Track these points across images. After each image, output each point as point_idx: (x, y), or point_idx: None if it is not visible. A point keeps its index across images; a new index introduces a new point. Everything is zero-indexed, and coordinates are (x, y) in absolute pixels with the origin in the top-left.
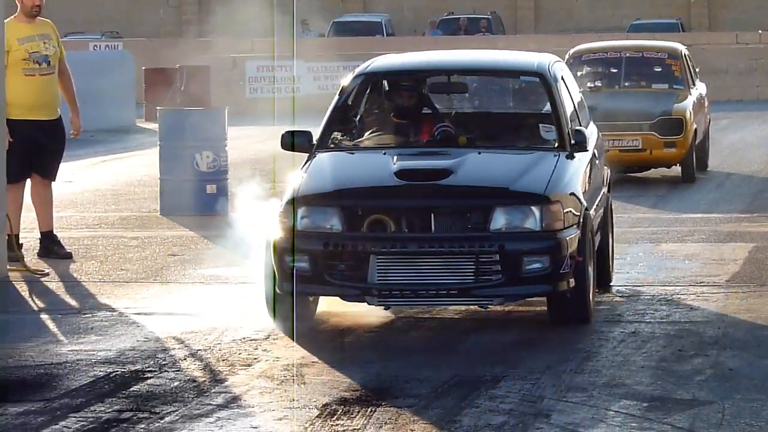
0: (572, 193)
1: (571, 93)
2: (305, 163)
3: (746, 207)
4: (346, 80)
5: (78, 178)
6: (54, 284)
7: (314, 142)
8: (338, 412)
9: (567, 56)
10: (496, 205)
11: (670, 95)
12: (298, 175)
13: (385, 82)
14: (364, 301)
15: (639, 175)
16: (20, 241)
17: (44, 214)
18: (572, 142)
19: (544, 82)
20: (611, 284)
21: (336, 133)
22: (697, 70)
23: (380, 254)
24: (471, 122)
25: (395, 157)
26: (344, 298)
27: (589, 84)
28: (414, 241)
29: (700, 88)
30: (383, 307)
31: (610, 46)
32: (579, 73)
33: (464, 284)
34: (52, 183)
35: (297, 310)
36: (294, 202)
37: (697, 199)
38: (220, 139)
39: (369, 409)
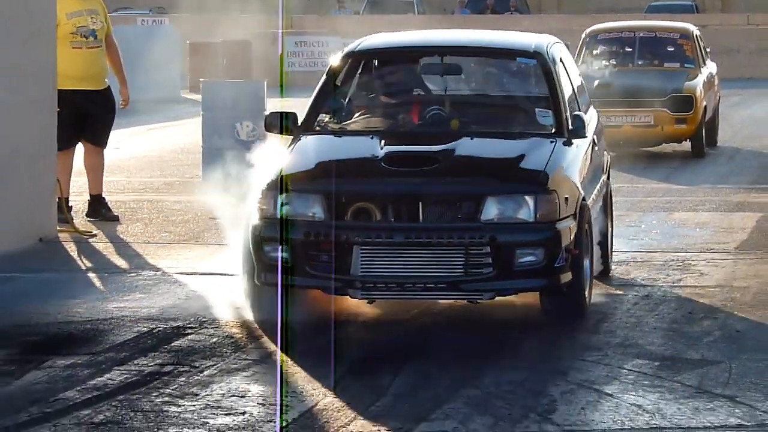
0: (569, 182)
1: (570, 76)
2: (288, 146)
3: (755, 179)
4: (334, 59)
5: (125, 145)
6: (101, 245)
7: (299, 124)
8: (366, 370)
9: (584, 35)
10: (488, 194)
11: (681, 74)
12: (279, 158)
13: (375, 62)
14: (346, 294)
15: (651, 149)
16: (69, 204)
17: (94, 178)
18: (570, 127)
19: (541, 64)
20: (610, 275)
21: (322, 115)
22: (707, 49)
23: (364, 245)
24: (465, 105)
25: (383, 142)
26: (326, 290)
27: (604, 62)
28: (400, 231)
29: (710, 67)
30: (366, 301)
31: (625, 26)
32: (595, 52)
33: (453, 277)
34: (104, 150)
35: (280, 303)
36: (274, 188)
37: (708, 172)
38: (259, 109)
39: (396, 367)
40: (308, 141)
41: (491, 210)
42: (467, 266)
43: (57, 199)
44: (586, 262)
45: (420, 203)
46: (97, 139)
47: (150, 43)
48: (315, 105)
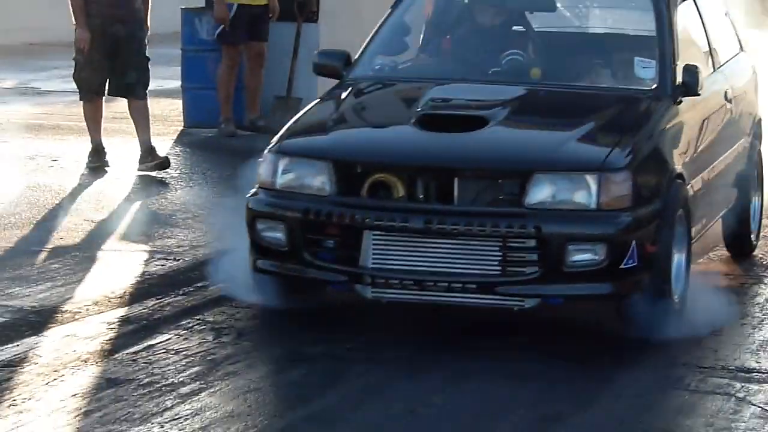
0: (657, 156)
1: (704, 20)
2: (321, 96)
3: None
4: None
5: None
6: None
7: (349, 66)
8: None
9: None
10: (536, 171)
11: None
12: (300, 113)
13: None
14: (352, 291)
15: None
16: None
17: None
18: (678, 83)
19: (655, 2)
20: (753, 254)
21: (380, 56)
22: None
23: (378, 229)
24: (553, 49)
25: (430, 95)
26: (328, 284)
27: None
28: (420, 215)
29: None
30: (379, 300)
31: None
32: None
33: (486, 277)
34: None
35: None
36: (277, 150)
37: None
38: None
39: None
40: (343, 91)
41: (539, 191)
42: (505, 263)
43: None
44: (678, 258)
45: (455, 179)
46: None
47: None
48: (370, 44)
